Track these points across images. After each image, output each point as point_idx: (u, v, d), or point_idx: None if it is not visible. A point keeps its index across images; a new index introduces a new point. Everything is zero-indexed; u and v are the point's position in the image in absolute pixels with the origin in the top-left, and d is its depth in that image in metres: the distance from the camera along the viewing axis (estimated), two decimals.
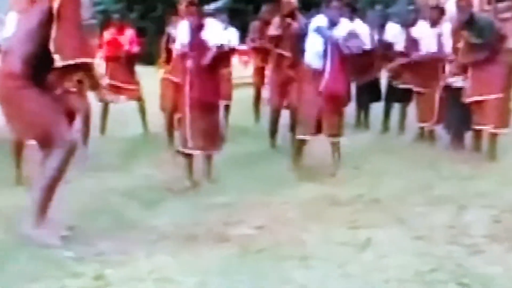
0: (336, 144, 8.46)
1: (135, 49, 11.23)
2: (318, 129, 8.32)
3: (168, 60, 9.96)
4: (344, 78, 8.25)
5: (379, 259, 5.32)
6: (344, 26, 8.34)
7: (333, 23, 8.25)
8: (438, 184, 7.69)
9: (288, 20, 9.51)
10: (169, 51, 9.87)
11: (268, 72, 10.58)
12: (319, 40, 8.18)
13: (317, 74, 8.16)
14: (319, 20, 8.29)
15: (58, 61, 5.40)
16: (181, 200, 7.19)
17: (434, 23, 9.81)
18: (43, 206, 5.61)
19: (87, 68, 5.78)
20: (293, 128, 9.22)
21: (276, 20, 9.89)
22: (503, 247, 5.61)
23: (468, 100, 8.84)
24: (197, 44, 7.82)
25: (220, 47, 7.88)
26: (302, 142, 8.54)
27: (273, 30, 9.91)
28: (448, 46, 9.35)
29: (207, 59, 7.71)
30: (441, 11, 9.90)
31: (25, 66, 5.44)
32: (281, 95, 9.68)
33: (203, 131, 7.81)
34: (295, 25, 9.34)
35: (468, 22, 8.79)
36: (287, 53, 9.43)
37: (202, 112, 7.79)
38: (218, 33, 8.03)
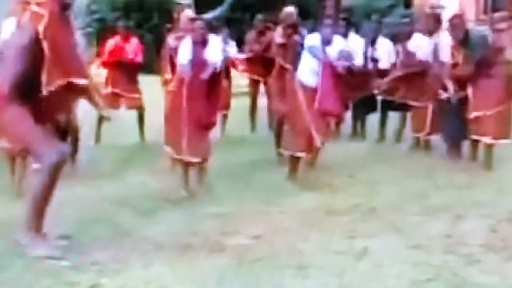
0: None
1: (139, 58, 11.21)
2: (311, 146, 8.33)
3: (173, 73, 9.92)
4: (337, 95, 8.28)
5: (376, 268, 5.31)
6: (338, 44, 8.44)
7: (326, 41, 8.35)
8: (434, 193, 7.69)
9: (290, 31, 9.55)
10: (173, 65, 9.83)
11: (271, 80, 10.55)
12: (313, 59, 8.28)
13: (310, 91, 8.24)
14: (313, 39, 8.42)
15: (47, 86, 5.40)
16: (177, 209, 7.17)
17: (431, 32, 9.79)
18: (34, 217, 5.60)
19: (81, 90, 5.76)
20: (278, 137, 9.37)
21: (279, 30, 9.94)
22: (499, 256, 5.61)
23: (470, 116, 8.84)
24: (198, 62, 7.85)
25: (218, 67, 7.92)
26: (297, 158, 8.51)
27: (278, 38, 9.96)
28: (445, 56, 9.32)
29: (205, 74, 7.73)
30: (437, 19, 9.89)
31: (13, 87, 5.43)
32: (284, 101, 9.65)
33: (198, 141, 7.85)
34: (296, 37, 9.37)
35: (462, 39, 8.80)
36: (288, 65, 9.45)
37: (200, 129, 7.86)
38: (218, 52, 8.04)
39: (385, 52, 10.66)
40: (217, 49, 8.02)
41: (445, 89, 9.10)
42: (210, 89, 7.87)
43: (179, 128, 7.79)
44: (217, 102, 8.14)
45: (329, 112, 8.30)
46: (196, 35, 7.89)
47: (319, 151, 8.62)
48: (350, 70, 8.62)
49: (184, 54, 7.90)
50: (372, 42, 10.70)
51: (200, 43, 7.88)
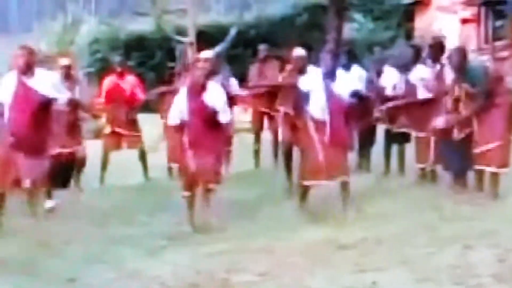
0: (345, 184, 8.59)
1: (137, 95, 11.20)
2: (322, 175, 8.43)
3: None
4: (345, 127, 8.54)
5: None
6: (341, 79, 8.62)
7: (328, 75, 8.47)
8: (441, 225, 7.63)
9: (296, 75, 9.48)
10: None
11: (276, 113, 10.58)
12: (321, 95, 8.42)
13: (321, 124, 8.42)
14: (314, 75, 8.64)
15: None
16: (182, 247, 7.16)
17: (434, 60, 9.73)
18: None
19: None
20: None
21: (285, 75, 9.94)
22: (509, 286, 5.57)
23: (477, 151, 8.80)
24: (196, 109, 8.07)
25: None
26: (307, 187, 8.60)
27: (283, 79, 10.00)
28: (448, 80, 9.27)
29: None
30: (440, 47, 9.82)
31: None
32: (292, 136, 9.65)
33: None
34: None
35: (463, 73, 8.79)
36: (290, 111, 9.46)
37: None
38: (219, 97, 8.25)
39: (391, 80, 10.57)
40: (218, 95, 8.26)
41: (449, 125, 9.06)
42: (212, 132, 8.12)
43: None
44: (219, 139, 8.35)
45: (340, 142, 8.48)
46: (195, 83, 8.16)
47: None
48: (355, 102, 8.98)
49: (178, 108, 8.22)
50: (378, 73, 10.69)
51: (199, 91, 8.12)
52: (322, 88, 8.46)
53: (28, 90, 7.67)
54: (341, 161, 8.56)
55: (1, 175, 7.69)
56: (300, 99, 8.85)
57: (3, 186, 7.73)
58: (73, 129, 9.69)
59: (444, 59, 9.50)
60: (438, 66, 9.56)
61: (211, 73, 8.55)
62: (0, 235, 7.56)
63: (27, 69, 7.70)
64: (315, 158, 8.41)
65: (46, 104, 7.83)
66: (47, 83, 7.83)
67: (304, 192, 8.64)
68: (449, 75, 9.22)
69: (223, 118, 8.22)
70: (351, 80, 9.46)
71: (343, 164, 8.60)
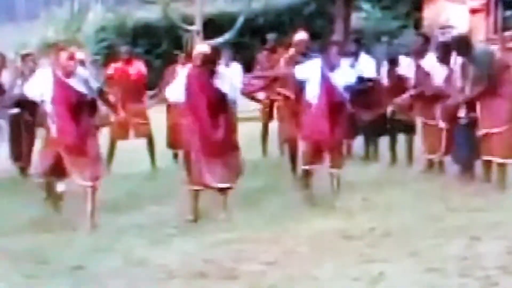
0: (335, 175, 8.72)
1: (144, 78, 11.20)
2: (320, 159, 8.61)
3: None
4: (325, 125, 8.43)
5: None
6: (344, 69, 8.68)
7: (331, 67, 8.49)
8: (449, 216, 7.63)
9: (298, 58, 9.49)
10: None
11: (281, 104, 10.55)
12: (316, 84, 8.48)
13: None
14: (315, 65, 8.61)
15: None
16: (190, 237, 7.16)
17: (443, 60, 9.66)
18: None
19: None
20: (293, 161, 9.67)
21: (286, 57, 9.91)
22: None
23: (479, 133, 8.79)
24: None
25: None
26: (307, 172, 8.69)
27: (282, 68, 9.95)
28: (458, 80, 9.25)
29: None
30: (448, 48, 9.75)
31: None
32: (296, 125, 9.64)
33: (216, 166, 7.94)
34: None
35: (469, 58, 8.76)
36: (291, 94, 9.46)
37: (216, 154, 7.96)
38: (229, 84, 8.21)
39: (408, 68, 10.50)
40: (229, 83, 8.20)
41: (457, 110, 9.05)
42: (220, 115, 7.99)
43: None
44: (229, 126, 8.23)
45: (314, 140, 8.57)
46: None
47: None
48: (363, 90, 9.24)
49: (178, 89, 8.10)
50: (391, 62, 10.64)
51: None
52: (319, 78, 8.44)
53: (68, 89, 7.66)
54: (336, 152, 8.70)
55: None
56: (297, 86, 8.96)
57: None
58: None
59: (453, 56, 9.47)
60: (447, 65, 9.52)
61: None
62: (9, 224, 7.60)
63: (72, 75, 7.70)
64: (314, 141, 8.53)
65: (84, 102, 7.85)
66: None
67: (305, 177, 8.72)
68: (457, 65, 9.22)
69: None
70: (355, 71, 9.49)
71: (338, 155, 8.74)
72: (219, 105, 7.95)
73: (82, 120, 7.70)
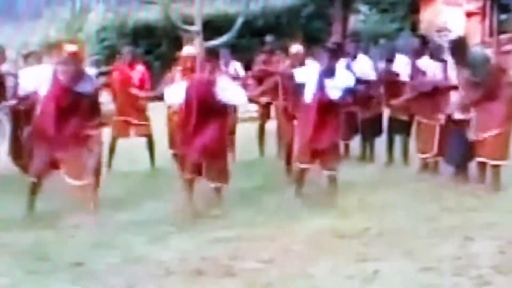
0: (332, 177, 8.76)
1: (146, 86, 11.24)
2: (313, 159, 8.68)
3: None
4: (322, 130, 8.54)
5: None
6: (341, 76, 8.65)
7: (328, 74, 8.53)
8: (443, 216, 7.70)
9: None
10: None
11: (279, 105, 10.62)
12: (312, 88, 8.55)
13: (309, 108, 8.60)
14: (312, 69, 8.75)
15: None
16: (188, 234, 7.21)
17: (438, 59, 9.71)
18: None
19: None
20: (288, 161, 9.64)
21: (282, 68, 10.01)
22: (509, 278, 5.63)
23: (474, 138, 8.86)
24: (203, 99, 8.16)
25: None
26: (302, 171, 8.76)
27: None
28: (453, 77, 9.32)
29: None
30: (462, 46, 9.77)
31: None
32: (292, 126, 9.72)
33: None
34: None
35: (464, 61, 8.82)
36: (289, 104, 9.55)
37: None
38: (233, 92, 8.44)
39: (405, 67, 10.55)
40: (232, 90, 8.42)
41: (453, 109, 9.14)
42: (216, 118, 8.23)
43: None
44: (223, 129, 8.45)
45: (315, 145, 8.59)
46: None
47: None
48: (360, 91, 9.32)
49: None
50: (389, 60, 10.72)
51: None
52: (315, 82, 8.52)
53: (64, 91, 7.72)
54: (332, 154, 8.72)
55: None
56: (296, 90, 9.01)
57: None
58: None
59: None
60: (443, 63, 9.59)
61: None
62: (11, 220, 7.67)
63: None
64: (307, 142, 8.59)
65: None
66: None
67: (300, 176, 8.81)
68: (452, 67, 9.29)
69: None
70: (353, 71, 9.55)
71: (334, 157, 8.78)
72: (211, 112, 8.14)
73: (70, 123, 7.78)
